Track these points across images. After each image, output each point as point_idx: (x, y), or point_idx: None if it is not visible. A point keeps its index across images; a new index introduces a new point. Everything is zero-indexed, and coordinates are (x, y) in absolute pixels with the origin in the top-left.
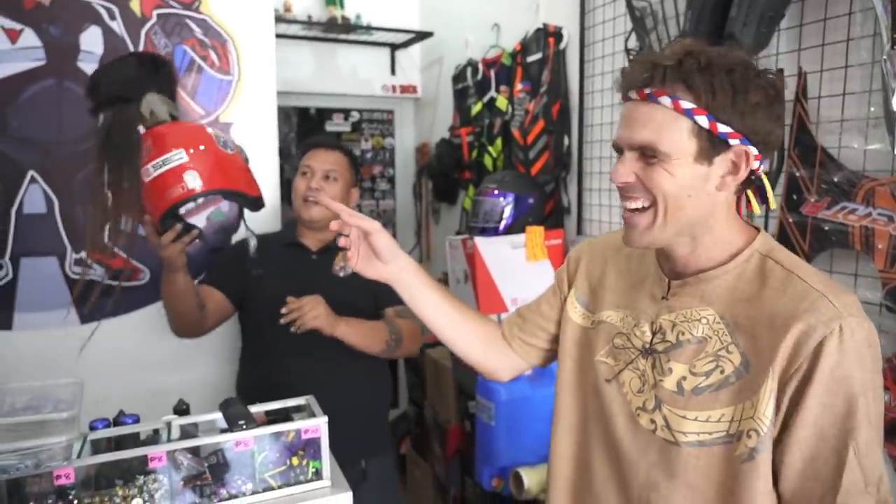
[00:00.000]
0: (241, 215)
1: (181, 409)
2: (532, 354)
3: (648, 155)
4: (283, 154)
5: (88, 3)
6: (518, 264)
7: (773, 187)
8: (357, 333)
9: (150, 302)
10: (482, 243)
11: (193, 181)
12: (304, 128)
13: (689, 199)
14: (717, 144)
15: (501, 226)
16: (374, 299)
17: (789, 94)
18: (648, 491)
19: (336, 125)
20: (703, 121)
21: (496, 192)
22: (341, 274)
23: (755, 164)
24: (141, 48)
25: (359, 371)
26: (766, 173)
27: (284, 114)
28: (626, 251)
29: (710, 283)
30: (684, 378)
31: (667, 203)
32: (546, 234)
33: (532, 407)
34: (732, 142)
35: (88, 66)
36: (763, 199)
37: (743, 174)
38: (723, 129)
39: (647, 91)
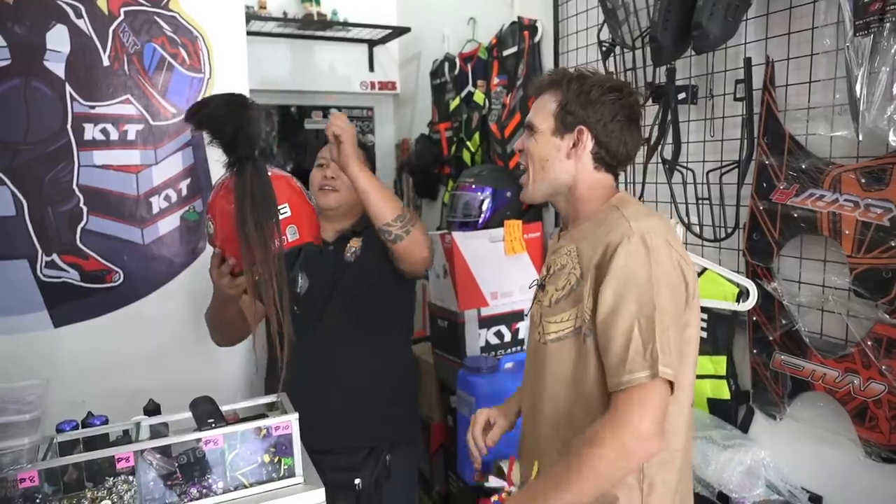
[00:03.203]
0: (300, 259)
1: (151, 410)
2: None
3: (530, 129)
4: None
5: (54, 1)
6: (497, 258)
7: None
8: (375, 181)
9: (124, 304)
10: (460, 238)
11: (293, 235)
12: (285, 126)
13: (547, 162)
14: (567, 125)
15: (480, 220)
16: (394, 279)
17: (758, 82)
18: (535, 385)
19: (315, 123)
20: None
21: (473, 186)
22: (351, 259)
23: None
24: (109, 46)
25: (383, 355)
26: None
27: (266, 112)
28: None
29: (578, 229)
30: (552, 295)
31: (533, 165)
32: (525, 228)
33: None
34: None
35: (55, 66)
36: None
37: (582, 150)
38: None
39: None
